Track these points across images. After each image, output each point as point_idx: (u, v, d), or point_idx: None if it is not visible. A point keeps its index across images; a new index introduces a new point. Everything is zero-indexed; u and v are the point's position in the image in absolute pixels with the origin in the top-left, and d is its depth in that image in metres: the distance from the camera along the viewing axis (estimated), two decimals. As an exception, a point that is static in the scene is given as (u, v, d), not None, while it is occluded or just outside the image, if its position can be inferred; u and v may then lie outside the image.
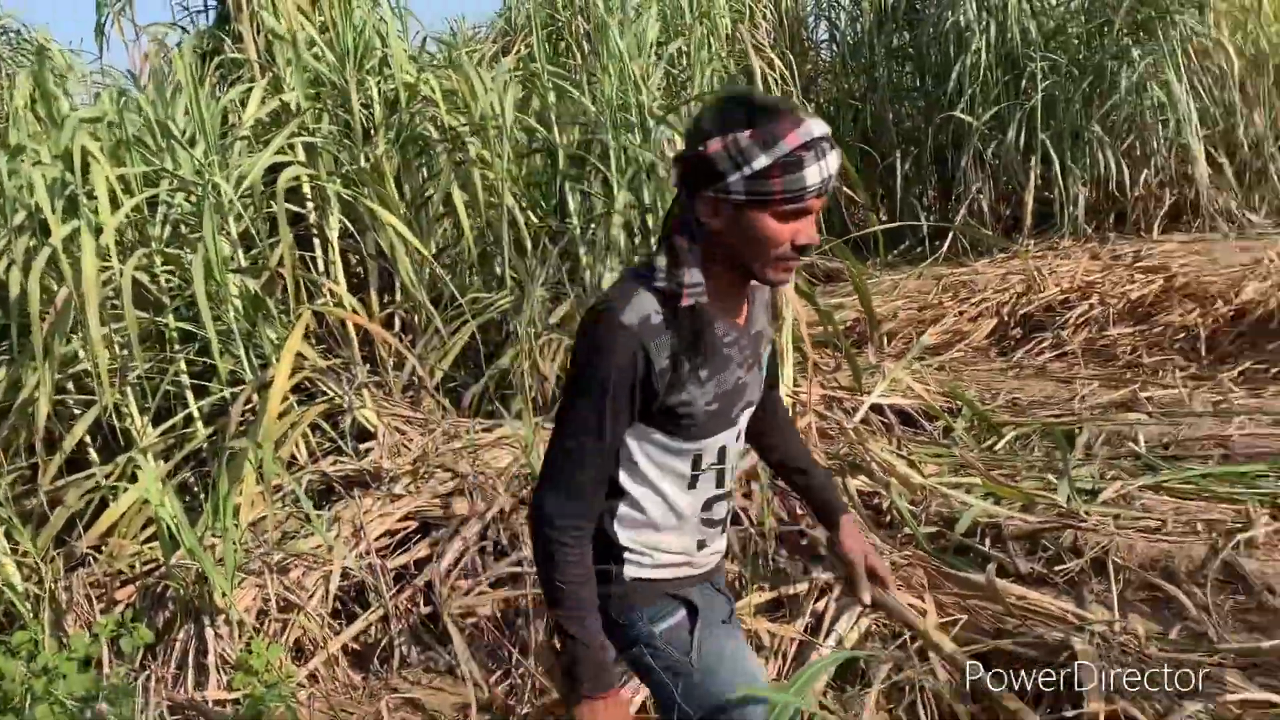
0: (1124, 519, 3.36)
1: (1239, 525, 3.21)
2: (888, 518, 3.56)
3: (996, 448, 4.24)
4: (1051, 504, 3.49)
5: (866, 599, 1.89)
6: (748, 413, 1.74)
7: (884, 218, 9.28)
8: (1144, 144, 8.20)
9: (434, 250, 5.04)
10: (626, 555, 1.70)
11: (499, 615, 3.33)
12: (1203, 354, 5.12)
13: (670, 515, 1.70)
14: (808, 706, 1.48)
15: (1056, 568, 3.19)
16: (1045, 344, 5.75)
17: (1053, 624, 2.73)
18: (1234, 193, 8.01)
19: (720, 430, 1.66)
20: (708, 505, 1.72)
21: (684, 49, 5.38)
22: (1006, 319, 6.19)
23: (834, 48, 10.60)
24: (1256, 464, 3.70)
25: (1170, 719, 2.30)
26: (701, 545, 1.76)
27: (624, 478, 1.66)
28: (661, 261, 1.56)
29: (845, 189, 5.57)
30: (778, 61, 7.18)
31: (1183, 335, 5.34)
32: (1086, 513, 3.38)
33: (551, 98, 4.75)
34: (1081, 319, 5.83)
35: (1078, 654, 2.49)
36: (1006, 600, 2.80)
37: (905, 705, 2.58)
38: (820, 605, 2.85)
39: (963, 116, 8.54)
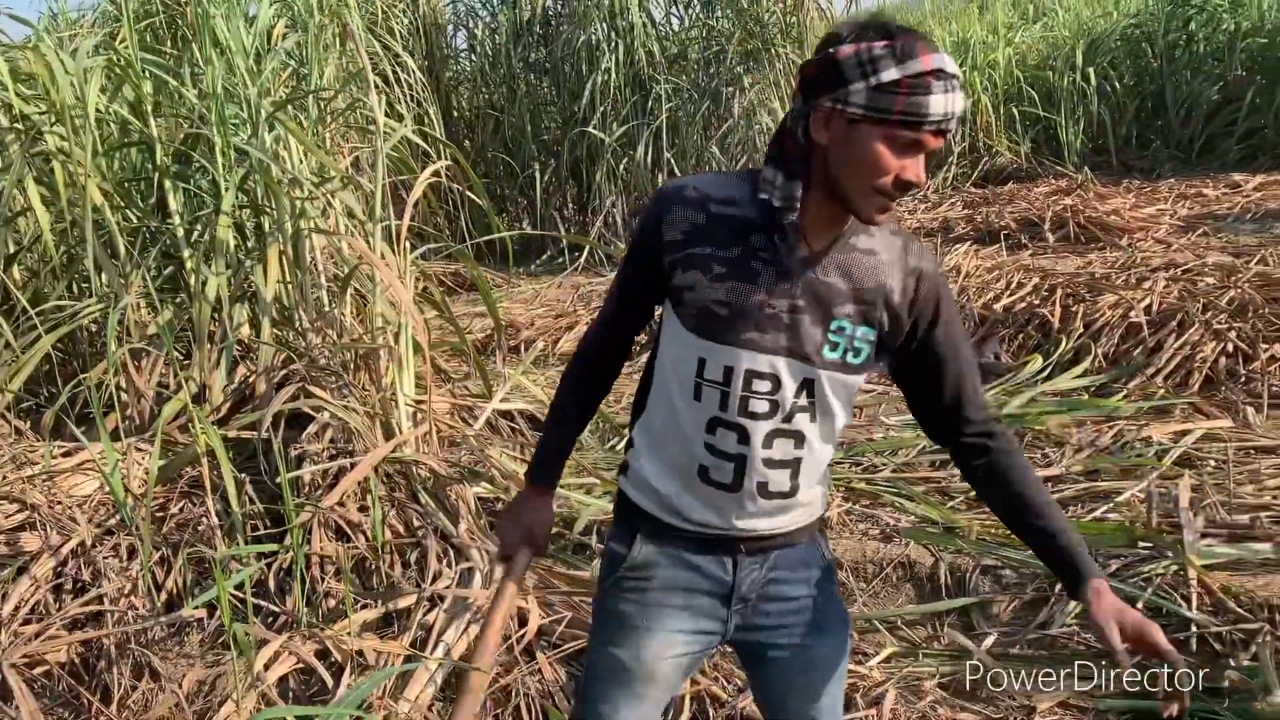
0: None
1: (817, 509, 3.56)
2: (508, 523, 3.59)
3: (618, 448, 4.42)
4: (660, 500, 3.68)
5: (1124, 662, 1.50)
6: (779, 360, 1.53)
7: (527, 227, 9.46)
8: (754, 166, 8.94)
9: (10, 252, 4.45)
10: (628, 457, 1.73)
11: (76, 660, 2.98)
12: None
13: (673, 419, 1.60)
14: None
15: (661, 560, 3.37)
16: (666, 349, 6.08)
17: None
18: (830, 211, 8.95)
19: (727, 342, 1.53)
20: (711, 427, 1.56)
21: (300, 44, 5.13)
22: (633, 325, 6.48)
23: (474, 57, 10.65)
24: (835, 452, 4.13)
25: (746, 694, 2.48)
26: (705, 475, 1.59)
27: (655, 367, 1.68)
28: (769, 172, 1.52)
29: (470, 194, 5.59)
30: (411, 64, 7.07)
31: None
32: (690, 506, 3.60)
33: (148, 87, 4.35)
34: (698, 325, 6.23)
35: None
36: (609, 595, 2.90)
37: (511, 709, 2.60)
38: (430, 617, 2.81)
39: (596, 132, 8.89)
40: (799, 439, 1.56)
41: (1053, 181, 9.66)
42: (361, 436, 3.53)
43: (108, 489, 3.38)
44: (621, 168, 9.07)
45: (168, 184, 4.36)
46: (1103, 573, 1.55)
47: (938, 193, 10.19)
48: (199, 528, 3.32)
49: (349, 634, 2.65)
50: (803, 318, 1.52)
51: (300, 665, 2.62)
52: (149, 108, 4.36)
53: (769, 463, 1.56)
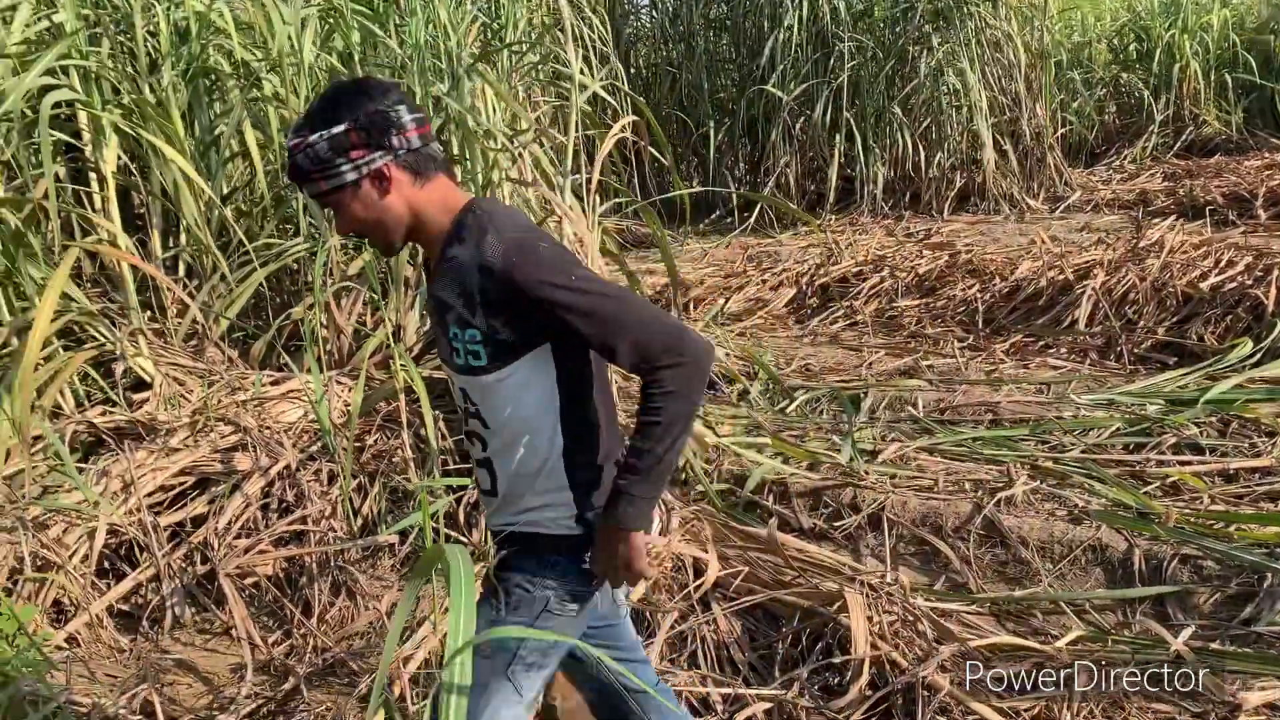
0: (900, 478, 3.56)
1: (1001, 484, 3.46)
2: (683, 475, 3.64)
3: (788, 410, 4.39)
4: (835, 464, 3.65)
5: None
6: (449, 372, 1.74)
7: (698, 185, 9.43)
8: (939, 128, 8.66)
9: (225, 192, 4.75)
10: None
11: (281, 575, 3.21)
12: (980, 326, 5.47)
13: None
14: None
15: (836, 523, 3.35)
16: (839, 313, 6.00)
17: (828, 575, 2.86)
18: (1016, 178, 8.58)
19: (442, 360, 1.78)
20: (465, 437, 1.79)
21: (499, -1, 5.24)
22: (805, 289, 6.42)
23: (654, 14, 10.64)
24: (1020, 428, 3.99)
25: (928, 663, 2.45)
26: (478, 480, 1.79)
27: None
28: None
29: (654, 152, 5.62)
30: (596, 21, 7.13)
31: (963, 308, 5.68)
32: (866, 472, 3.56)
33: (356, 37, 4.54)
34: (873, 291, 6.12)
35: (849, 604, 2.61)
36: (786, 553, 2.91)
37: (687, 654, 2.65)
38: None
39: (774, 91, 8.77)
40: (482, 442, 1.72)
41: (1267, 155, 8.95)
42: (545, 382, 3.62)
43: (312, 417, 3.60)
44: (798, 127, 8.92)
45: (370, 131, 4.55)
46: (619, 520, 1.63)
47: (1135, 163, 9.61)
48: (394, 459, 3.50)
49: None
50: (439, 332, 1.70)
51: (490, 595, 2.72)
52: (356, 56, 4.55)
53: (476, 463, 1.75)
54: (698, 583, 2.78)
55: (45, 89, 3.94)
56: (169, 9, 4.59)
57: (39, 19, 4.33)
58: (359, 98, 1.62)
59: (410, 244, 1.73)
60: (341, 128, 1.59)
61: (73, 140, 4.26)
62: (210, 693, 2.85)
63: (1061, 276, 5.52)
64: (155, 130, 4.19)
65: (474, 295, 1.61)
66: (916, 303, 5.90)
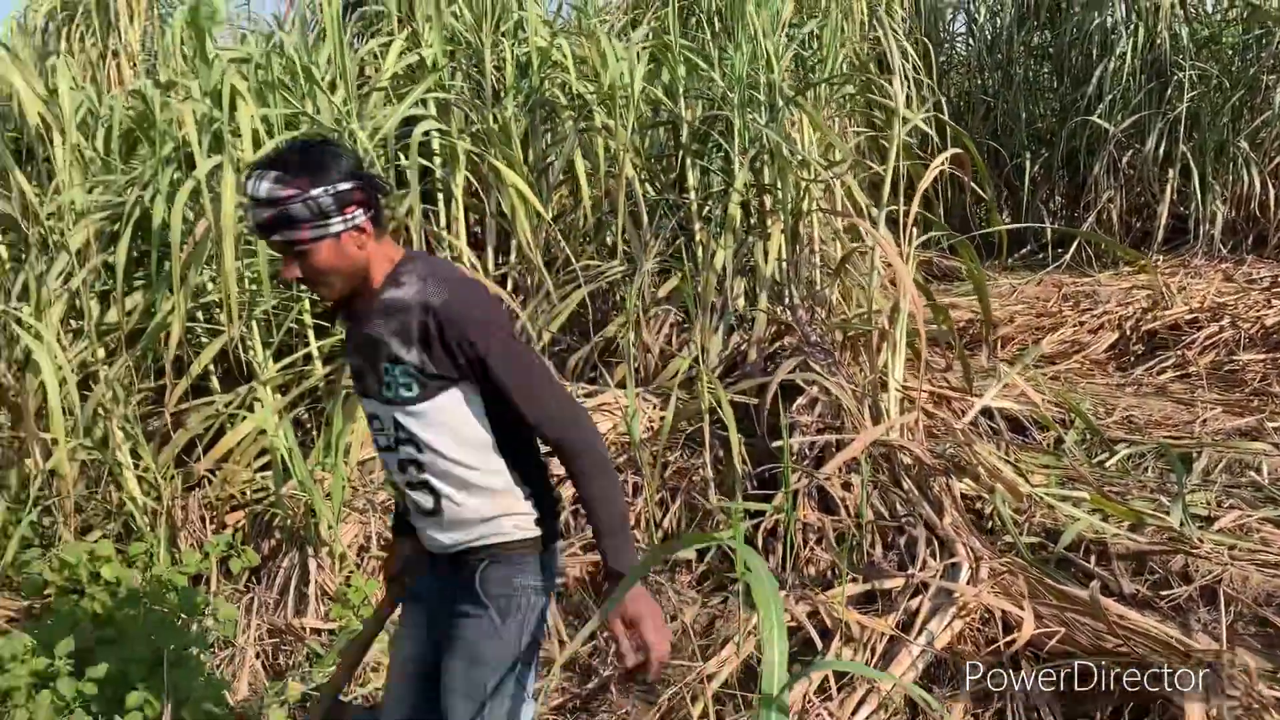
0: (1240, 550, 3.23)
1: (1366, 569, 3.06)
2: (990, 523, 3.49)
3: (1108, 464, 4.10)
4: (1162, 527, 3.37)
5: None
6: (371, 403, 1.87)
7: (1008, 219, 9.02)
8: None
9: (552, 215, 5.09)
10: None
11: (587, 578, 3.38)
12: (1340, 388, 4.86)
13: None
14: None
15: (1163, 592, 3.08)
16: (1168, 363, 5.52)
17: (1155, 647, 2.64)
18: (1389, 224, 7.55)
19: (360, 394, 1.91)
20: (396, 467, 1.89)
21: (816, 31, 5.29)
22: (1129, 334, 5.96)
23: (970, 41, 10.32)
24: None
25: None
26: (406, 501, 1.91)
27: None
28: None
29: (973, 185, 5.42)
30: (911, 50, 7.02)
31: (1320, 367, 5.08)
32: (1199, 539, 3.25)
33: (681, 71, 4.73)
34: (1209, 340, 5.59)
35: (1180, 680, 2.40)
36: (1109, 618, 2.71)
37: (994, 712, 2.53)
38: (914, 602, 2.81)
39: (1100, 122, 8.24)
40: (417, 465, 1.82)
41: None
42: (850, 415, 3.60)
43: (622, 430, 3.77)
44: (1124, 161, 8.32)
45: (688, 161, 4.73)
46: (621, 567, 1.75)
47: None
48: (694, 478, 3.60)
49: (839, 603, 2.73)
50: (366, 365, 1.83)
51: (792, 624, 2.74)
52: (680, 90, 4.75)
53: (410, 485, 1.86)
54: (1009, 638, 2.65)
55: (410, 118, 4.41)
56: (514, 45, 5.01)
57: (405, 54, 4.86)
58: (342, 157, 1.76)
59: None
60: (348, 185, 1.73)
61: (425, 163, 4.73)
62: (520, 682, 3.04)
63: None
64: (498, 155, 4.57)
65: (411, 332, 1.75)
66: (1262, 357, 5.32)
